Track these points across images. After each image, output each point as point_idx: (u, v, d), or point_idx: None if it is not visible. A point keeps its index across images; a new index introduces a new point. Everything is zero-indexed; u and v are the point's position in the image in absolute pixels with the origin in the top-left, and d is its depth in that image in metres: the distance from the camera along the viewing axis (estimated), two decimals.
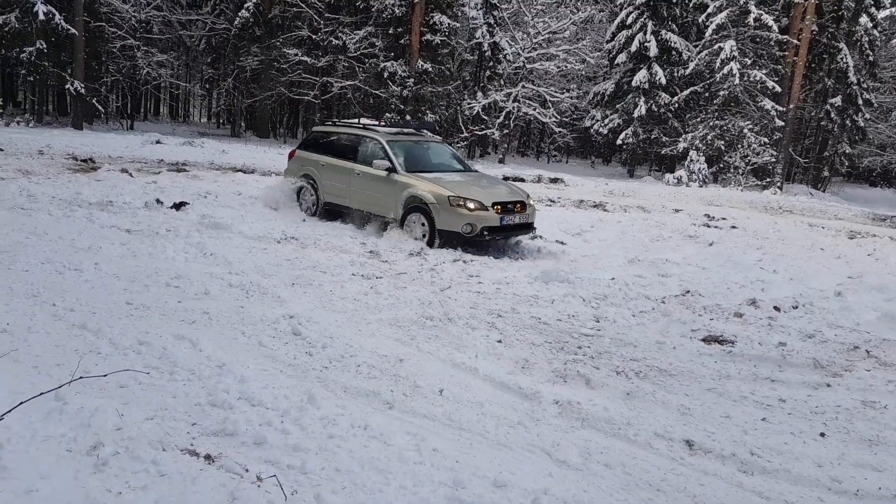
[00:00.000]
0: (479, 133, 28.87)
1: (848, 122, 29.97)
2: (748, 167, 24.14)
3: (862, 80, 29.81)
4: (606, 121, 29.44)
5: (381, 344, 5.07)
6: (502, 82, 29.49)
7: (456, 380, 4.52)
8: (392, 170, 9.21)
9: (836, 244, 11.17)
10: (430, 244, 8.68)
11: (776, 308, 6.84)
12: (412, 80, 26.48)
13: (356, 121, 10.93)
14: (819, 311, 6.83)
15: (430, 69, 26.76)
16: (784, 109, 25.14)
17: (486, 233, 8.59)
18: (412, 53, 26.72)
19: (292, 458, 3.22)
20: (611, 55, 30.12)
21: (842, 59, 28.62)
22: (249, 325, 5.19)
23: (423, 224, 8.80)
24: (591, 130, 30.75)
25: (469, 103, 28.53)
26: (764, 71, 24.90)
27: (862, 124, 30.44)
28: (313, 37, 28.34)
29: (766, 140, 24.24)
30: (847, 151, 31.36)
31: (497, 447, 3.65)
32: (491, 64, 29.27)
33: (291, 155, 11.00)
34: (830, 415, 4.42)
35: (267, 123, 31.90)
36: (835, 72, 29.36)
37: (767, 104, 24.26)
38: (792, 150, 29.29)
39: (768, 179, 24.98)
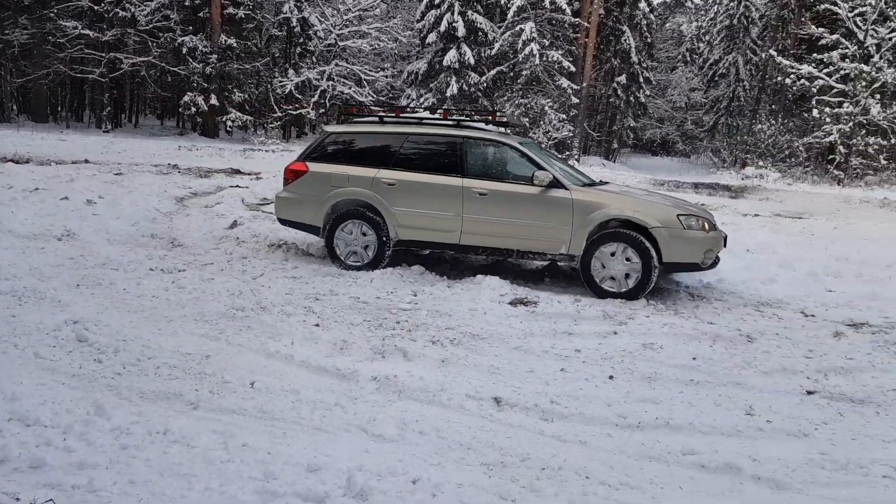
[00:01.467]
0: (294, 113, 28.10)
1: (632, 98, 33.09)
2: (550, 142, 25.84)
3: (642, 60, 32.99)
4: (422, 100, 29.94)
5: (185, 341, 4.79)
6: (315, 60, 28.88)
7: (270, 370, 4.39)
8: (556, 184, 6.61)
9: None
10: (641, 290, 6.37)
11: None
12: (215, 56, 25.07)
13: (410, 114, 7.55)
14: None
15: (235, 45, 25.53)
16: (578, 88, 27.17)
17: (718, 261, 6.74)
18: (213, 27, 25.29)
19: (77, 478, 2.93)
20: (422, 34, 30.59)
21: (625, 40, 31.45)
22: (23, 336, 4.64)
23: (627, 260, 6.41)
24: (408, 110, 31.13)
25: (280, 81, 27.64)
26: (560, 52, 26.69)
27: (643, 100, 33.77)
28: (95, 7, 25.73)
29: (564, 116, 26.08)
30: (632, 125, 34.71)
31: (313, 432, 3.61)
32: (301, 40, 28.53)
33: (294, 174, 7.24)
34: (617, 359, 4.90)
35: (45, 106, 28.63)
36: (620, 52, 32.22)
37: (564, 83, 26.08)
38: (587, 124, 31.81)
39: (567, 153, 26.94)
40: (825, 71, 24.93)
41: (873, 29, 24.21)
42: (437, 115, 7.40)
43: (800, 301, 6.83)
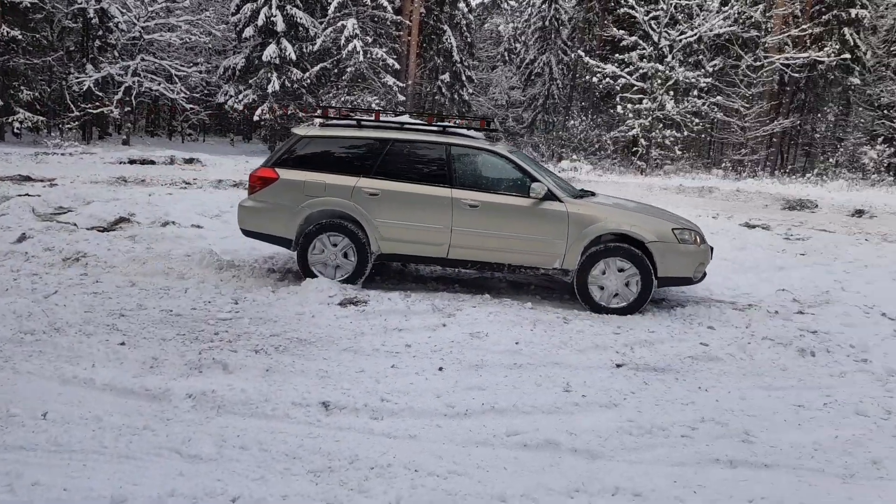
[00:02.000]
0: (95, 112, 25.74)
1: (456, 96, 34.10)
2: None
3: (464, 59, 34.10)
4: (241, 96, 28.74)
5: None
6: (117, 54, 26.64)
7: (66, 397, 3.93)
8: (551, 196, 6.32)
9: None
10: (639, 305, 6.22)
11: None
12: None
13: (391, 118, 6.99)
14: None
15: (21, 37, 22.84)
16: (404, 85, 27.48)
17: (705, 274, 6.65)
18: None
19: None
20: (238, 28, 29.32)
21: (447, 39, 32.30)
22: None
23: (620, 271, 6.22)
24: (227, 107, 29.73)
25: (77, 78, 25.18)
26: (384, 49, 26.82)
27: (467, 98, 34.92)
28: None
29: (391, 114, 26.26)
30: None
31: (118, 460, 3.28)
32: (100, 33, 26.17)
33: (262, 181, 6.56)
34: (447, 350, 4.98)
35: None
36: (442, 51, 33.03)
37: (390, 80, 26.23)
38: None
39: None
40: (627, 70, 27.27)
41: (666, 31, 26.84)
42: (419, 121, 6.91)
43: None
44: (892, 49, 29.92)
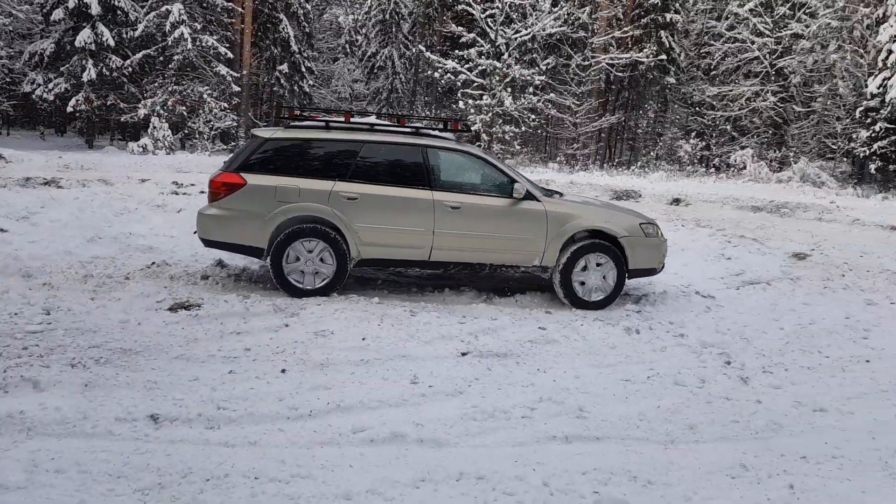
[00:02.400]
0: None
1: (296, 87, 33.20)
2: (213, 132, 24.63)
3: (303, 49, 33.26)
4: (51, 85, 26.02)
5: None
6: None
7: None
8: (529, 196, 6.40)
9: None
10: (614, 298, 6.53)
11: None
12: None
13: (360, 119, 6.75)
14: None
15: None
16: (239, 75, 26.31)
17: (664, 265, 6.98)
18: None
19: None
20: (45, 10, 26.51)
21: (283, 29, 31.29)
22: None
23: (597, 265, 6.45)
24: (34, 97, 26.80)
25: None
26: (215, 37, 25.48)
27: (308, 90, 34.12)
28: None
29: (226, 105, 25.05)
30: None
31: None
32: None
33: (228, 187, 6.08)
34: (290, 351, 4.82)
35: None
36: (280, 41, 31.96)
37: (223, 70, 24.99)
38: (252, 114, 31.06)
39: (233, 143, 26.02)
40: (467, 66, 27.97)
41: (502, 29, 27.85)
42: (387, 122, 6.77)
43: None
44: (701, 52, 33.17)
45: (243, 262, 7.12)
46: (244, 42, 27.72)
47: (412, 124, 6.78)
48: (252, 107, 31.66)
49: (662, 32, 30.56)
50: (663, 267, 6.94)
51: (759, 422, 4.15)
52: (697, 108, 32.38)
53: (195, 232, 6.58)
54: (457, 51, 28.85)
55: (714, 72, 31.54)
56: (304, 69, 33.33)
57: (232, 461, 3.29)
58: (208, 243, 6.36)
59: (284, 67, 32.19)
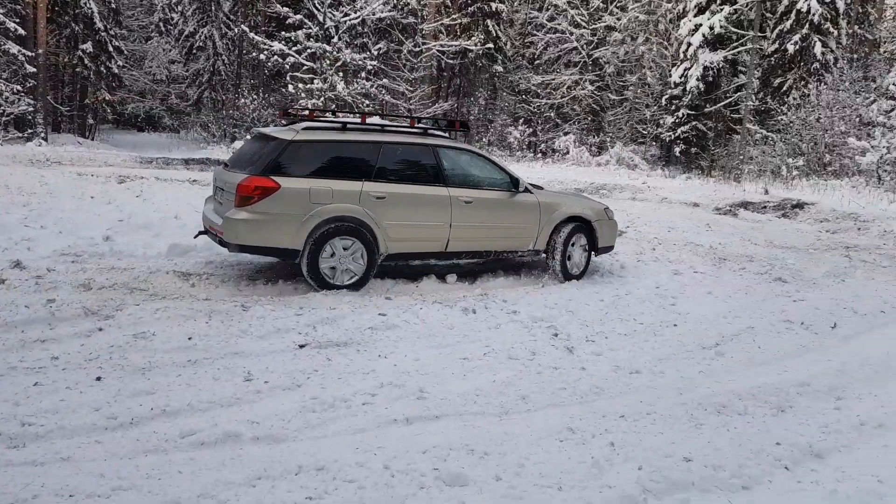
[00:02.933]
0: None
1: (103, 69, 30.38)
2: (4, 118, 21.92)
3: (109, 27, 30.48)
4: None
5: None
6: None
7: None
8: (526, 189, 7.40)
9: (107, 190, 11.27)
10: (586, 270, 7.72)
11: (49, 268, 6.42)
12: None
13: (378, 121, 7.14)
14: (91, 259, 6.79)
15: None
16: (33, 55, 23.62)
17: None
18: None
19: None
20: None
21: (86, 3, 28.48)
22: None
23: (581, 246, 7.63)
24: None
25: None
26: (2, 10, 22.62)
27: (116, 71, 31.36)
28: None
29: (19, 88, 22.35)
30: (108, 98, 31.93)
31: None
32: None
33: (262, 191, 5.93)
34: (105, 357, 4.40)
35: None
36: (81, 17, 29.04)
37: (13, 48, 22.27)
38: (52, 98, 28.08)
39: (30, 130, 23.36)
40: (295, 49, 27.16)
41: (330, 12, 27.32)
42: (396, 123, 7.25)
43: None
44: (525, 41, 34.78)
45: (46, 263, 6.41)
46: (38, 17, 24.86)
47: (420, 125, 7.21)
48: (52, 90, 28.57)
49: (489, 21, 31.68)
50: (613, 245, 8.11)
51: (584, 387, 4.46)
52: (524, 96, 34.04)
53: (199, 235, 6.80)
54: (284, 32, 27.93)
55: (538, 61, 33.31)
56: (111, 49, 30.53)
57: (41, 480, 2.96)
58: (241, 248, 6.18)
59: (88, 46, 29.30)
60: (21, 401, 3.73)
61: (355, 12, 27.57)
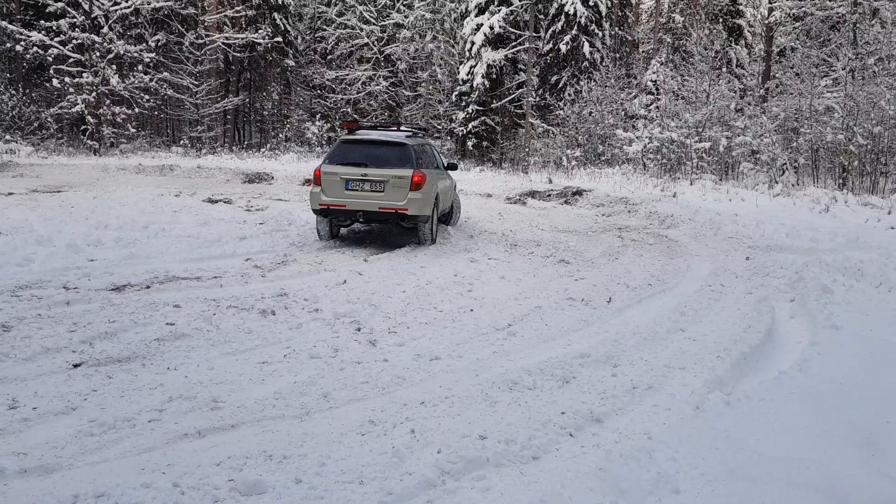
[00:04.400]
0: None
1: None
2: None
3: None
4: None
5: None
6: None
7: None
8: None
9: None
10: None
11: None
12: None
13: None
14: None
15: None
16: None
17: None
18: None
19: None
20: None
21: None
22: None
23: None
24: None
25: None
26: None
27: None
28: None
29: None
30: None
31: None
32: None
33: (421, 176, 8.91)
34: None
35: None
36: None
37: None
38: None
39: None
40: (58, 40, 24.45)
41: (98, 0, 24.92)
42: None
43: (62, 275, 6.61)
44: (316, 35, 34.33)
45: None
46: None
47: (407, 127, 10.39)
48: None
49: (276, 14, 30.88)
50: None
51: (386, 378, 4.51)
52: (320, 91, 33.64)
53: (320, 208, 8.93)
54: (44, 21, 25.01)
55: (330, 56, 33.07)
56: None
57: None
58: (416, 219, 9.01)
59: None
60: None
61: (126, 1, 25.44)
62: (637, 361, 5.04)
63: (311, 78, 33.81)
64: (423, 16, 30.28)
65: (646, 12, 39.18)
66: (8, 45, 25.87)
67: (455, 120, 28.52)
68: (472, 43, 26.44)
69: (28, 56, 24.69)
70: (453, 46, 30.16)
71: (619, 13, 32.85)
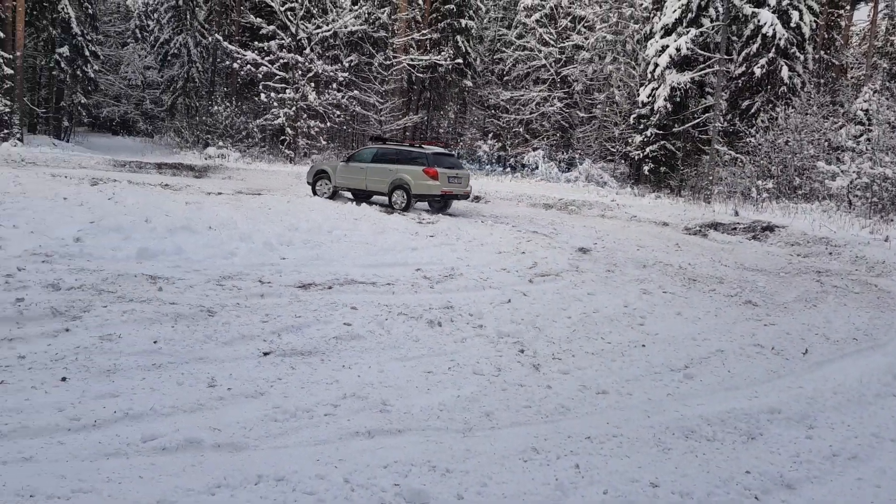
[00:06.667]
0: None
1: (79, 72, 30.05)
2: None
3: (86, 32, 30.18)
4: None
5: None
6: None
7: None
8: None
9: (80, 192, 11.16)
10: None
11: None
12: None
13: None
14: (61, 259, 6.72)
15: None
16: (10, 56, 23.28)
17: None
18: None
19: None
20: None
21: (63, 8, 28.19)
22: None
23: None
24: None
25: None
26: None
27: (92, 75, 31.05)
28: None
29: None
30: (83, 102, 31.60)
31: None
32: None
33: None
34: (70, 358, 4.40)
35: None
36: (59, 21, 28.74)
37: None
38: (28, 99, 27.64)
39: (6, 131, 22.99)
40: (268, 59, 27.13)
41: (303, 24, 27.36)
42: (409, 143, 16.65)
43: (258, 270, 7.30)
44: (495, 57, 35.15)
45: (17, 262, 6.33)
46: (17, 20, 24.54)
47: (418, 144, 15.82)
48: (28, 92, 28.14)
49: (459, 37, 31.99)
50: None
51: (550, 406, 4.41)
52: (493, 111, 34.31)
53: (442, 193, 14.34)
54: (257, 42, 27.90)
55: (507, 77, 33.64)
56: (87, 53, 30.28)
57: (2, 480, 2.95)
58: (469, 196, 15.46)
59: (65, 50, 29.00)
60: None
61: (327, 25, 27.66)
62: (838, 425, 4.48)
63: (487, 98, 34.61)
64: (604, 37, 29.89)
65: (857, 35, 35.73)
66: (227, 62, 29.09)
67: (631, 143, 27.72)
68: (656, 65, 25.59)
69: (242, 73, 27.62)
70: (634, 68, 29.41)
71: (825, 35, 30.25)
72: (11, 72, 23.33)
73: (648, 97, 26.03)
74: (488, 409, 4.29)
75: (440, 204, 14.92)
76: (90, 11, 31.16)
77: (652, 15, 27.43)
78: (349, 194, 15.91)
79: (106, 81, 36.59)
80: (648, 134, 26.42)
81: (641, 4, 28.95)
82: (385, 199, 14.92)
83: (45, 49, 29.47)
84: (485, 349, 5.50)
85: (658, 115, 25.72)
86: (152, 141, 35.03)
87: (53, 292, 5.67)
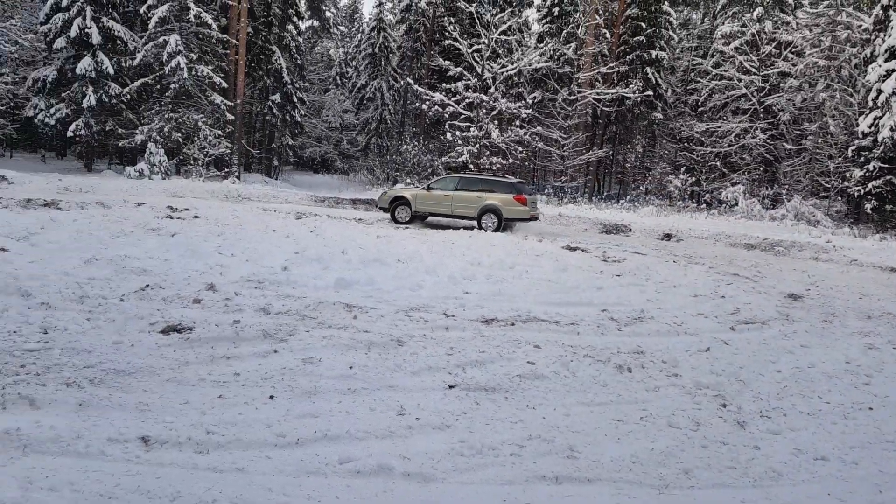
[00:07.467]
0: None
1: (288, 117, 33.45)
2: (207, 158, 24.70)
3: (294, 80, 33.61)
4: (53, 111, 26.13)
5: None
6: None
7: None
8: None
9: (286, 224, 12.32)
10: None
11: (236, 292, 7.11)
12: None
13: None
14: (270, 286, 7.41)
15: None
16: (232, 104, 26.48)
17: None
18: None
19: None
20: (48, 39, 26.69)
21: (276, 60, 31.65)
22: None
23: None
24: (36, 121, 26.89)
25: None
26: (210, 67, 25.69)
27: (299, 119, 34.40)
28: None
29: (220, 133, 25.16)
30: (291, 143, 35.07)
31: None
32: None
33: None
34: (277, 377, 4.79)
35: None
36: (272, 72, 32.30)
37: (217, 98, 25.15)
38: (245, 142, 31.19)
39: (227, 169, 26.07)
40: (454, 99, 28.30)
41: (489, 64, 28.26)
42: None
43: (443, 303, 7.52)
44: (688, 88, 33.72)
45: (234, 288, 7.08)
46: (238, 72, 27.97)
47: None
48: (245, 134, 31.81)
49: (648, 69, 31.10)
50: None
51: (758, 469, 4.03)
52: (686, 144, 32.70)
53: (530, 216, 16.39)
54: (444, 84, 29.23)
55: (702, 108, 31.94)
56: (295, 99, 33.66)
57: (220, 487, 3.26)
58: (534, 218, 16.67)
59: (277, 97, 32.47)
60: (207, 410, 4.15)
61: (512, 64, 28.27)
62: None
63: (679, 130, 33.19)
64: (816, 63, 27.46)
65: None
66: (416, 104, 30.77)
67: (850, 178, 24.95)
68: (879, 91, 22.95)
69: (430, 113, 29.03)
70: (851, 95, 26.62)
71: None
72: (232, 117, 26.52)
73: (870, 127, 23.35)
74: (686, 465, 3.98)
75: (500, 224, 16.22)
76: (299, 62, 34.71)
77: (873, 37, 24.78)
78: (405, 217, 17.16)
79: (310, 124, 40.33)
80: (871, 167, 23.52)
81: (861, 26, 26.27)
82: (470, 222, 16.59)
83: (261, 97, 33.19)
84: (680, 400, 5.13)
85: (883, 147, 22.91)
86: (348, 178, 37.95)
87: (264, 316, 6.25)
